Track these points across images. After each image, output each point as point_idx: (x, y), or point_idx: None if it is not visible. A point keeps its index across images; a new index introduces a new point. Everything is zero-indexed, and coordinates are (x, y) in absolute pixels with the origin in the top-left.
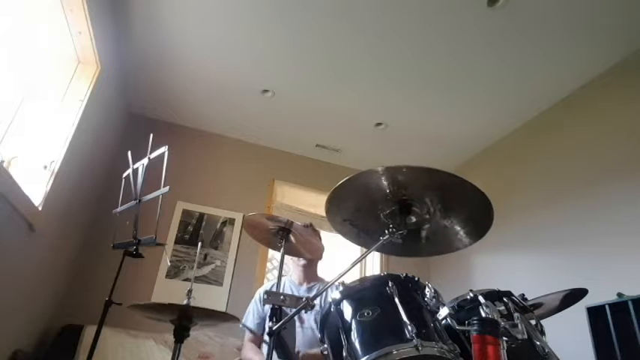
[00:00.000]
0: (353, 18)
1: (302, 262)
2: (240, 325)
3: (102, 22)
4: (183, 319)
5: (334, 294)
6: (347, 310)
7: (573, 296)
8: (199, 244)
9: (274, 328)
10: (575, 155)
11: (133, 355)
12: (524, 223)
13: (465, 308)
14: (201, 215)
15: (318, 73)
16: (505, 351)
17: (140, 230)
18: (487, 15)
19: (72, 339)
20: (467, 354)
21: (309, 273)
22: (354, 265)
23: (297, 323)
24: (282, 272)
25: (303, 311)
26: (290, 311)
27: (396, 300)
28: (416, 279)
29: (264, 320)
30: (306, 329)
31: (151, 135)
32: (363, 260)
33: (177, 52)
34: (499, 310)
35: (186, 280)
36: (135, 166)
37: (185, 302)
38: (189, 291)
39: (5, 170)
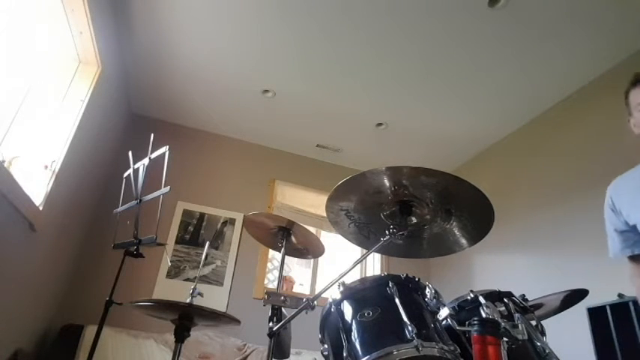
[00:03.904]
0: (354, 18)
1: None
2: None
3: (103, 22)
4: (184, 319)
5: (334, 294)
6: (347, 310)
7: (574, 297)
8: (207, 243)
9: (274, 328)
10: (576, 155)
11: (133, 355)
12: (525, 224)
13: (466, 309)
14: (202, 215)
15: (319, 73)
16: (505, 351)
17: (141, 230)
18: (488, 15)
19: (72, 339)
20: (467, 354)
21: None
22: (354, 265)
23: None
24: (282, 272)
25: None
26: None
27: (397, 300)
28: (416, 279)
29: (630, 228)
30: None
31: (152, 135)
32: (364, 261)
33: (178, 52)
34: (499, 311)
35: (187, 280)
36: (136, 166)
37: (188, 300)
38: (194, 289)
39: (6, 170)
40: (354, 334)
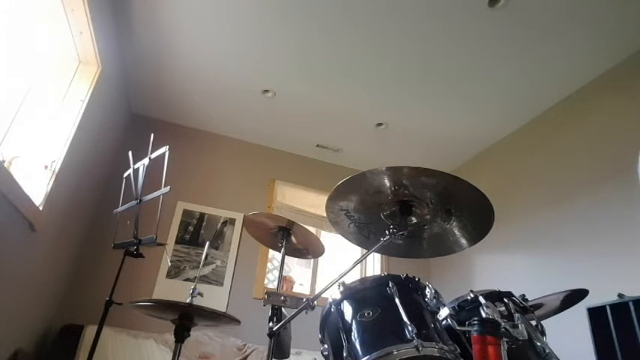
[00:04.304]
0: (354, 18)
1: None
2: None
3: (103, 22)
4: (184, 319)
5: (334, 294)
6: (347, 310)
7: (574, 297)
8: (207, 243)
9: (274, 328)
10: (575, 155)
11: (133, 355)
12: (525, 224)
13: (466, 309)
14: (202, 215)
15: (319, 73)
16: (505, 351)
17: (141, 230)
18: (488, 15)
19: (72, 339)
20: (467, 354)
21: None
22: (354, 265)
23: None
24: (282, 272)
25: None
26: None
27: (397, 300)
28: (416, 279)
29: None
30: None
31: (152, 135)
32: (364, 261)
33: (178, 52)
34: (499, 311)
35: (187, 280)
36: (136, 166)
37: (188, 300)
38: (193, 289)
39: (6, 170)
40: (354, 334)
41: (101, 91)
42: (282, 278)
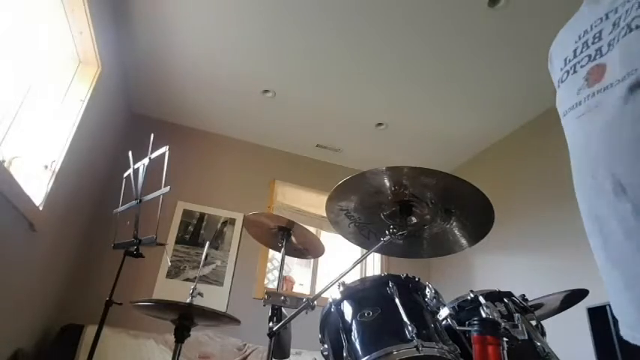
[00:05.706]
0: (353, 18)
1: None
2: None
3: (103, 22)
4: (184, 319)
5: (334, 294)
6: (347, 310)
7: (574, 297)
8: (207, 243)
9: (274, 328)
10: None
11: (133, 354)
12: (525, 224)
13: (466, 309)
14: (202, 215)
15: (319, 73)
16: (505, 351)
17: (141, 230)
18: (488, 15)
19: (72, 339)
20: (467, 354)
21: None
22: (354, 265)
23: None
24: (282, 272)
25: None
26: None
27: (397, 300)
28: (416, 279)
29: None
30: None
31: (152, 135)
32: (364, 261)
33: (178, 52)
34: (499, 311)
35: (187, 280)
36: (135, 166)
37: (188, 300)
38: (193, 289)
39: (6, 170)
40: (354, 334)
41: (101, 91)
42: (282, 278)
